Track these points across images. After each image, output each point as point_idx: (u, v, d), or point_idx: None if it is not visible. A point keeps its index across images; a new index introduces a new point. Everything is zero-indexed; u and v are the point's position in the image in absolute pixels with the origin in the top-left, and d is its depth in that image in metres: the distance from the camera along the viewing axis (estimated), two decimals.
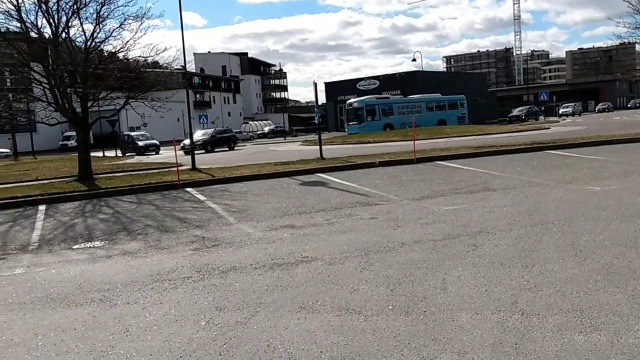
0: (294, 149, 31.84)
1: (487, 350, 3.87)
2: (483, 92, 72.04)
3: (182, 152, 32.05)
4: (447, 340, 4.07)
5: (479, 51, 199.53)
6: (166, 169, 20.68)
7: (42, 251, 8.56)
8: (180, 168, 17.04)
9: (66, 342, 4.56)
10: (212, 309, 5.12)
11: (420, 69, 71.88)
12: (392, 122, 45.97)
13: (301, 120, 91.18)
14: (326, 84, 68.63)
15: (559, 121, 51.14)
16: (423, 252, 6.57)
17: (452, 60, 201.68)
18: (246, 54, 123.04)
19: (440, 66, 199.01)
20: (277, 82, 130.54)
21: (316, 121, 21.15)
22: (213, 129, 39.25)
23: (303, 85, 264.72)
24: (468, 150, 18.06)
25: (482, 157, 16.95)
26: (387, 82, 62.36)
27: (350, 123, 47.71)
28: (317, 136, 21.83)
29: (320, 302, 5.09)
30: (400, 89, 60.15)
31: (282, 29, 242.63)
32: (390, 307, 4.83)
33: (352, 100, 50.87)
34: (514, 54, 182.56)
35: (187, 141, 33.31)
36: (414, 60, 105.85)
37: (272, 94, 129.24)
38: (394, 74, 66.88)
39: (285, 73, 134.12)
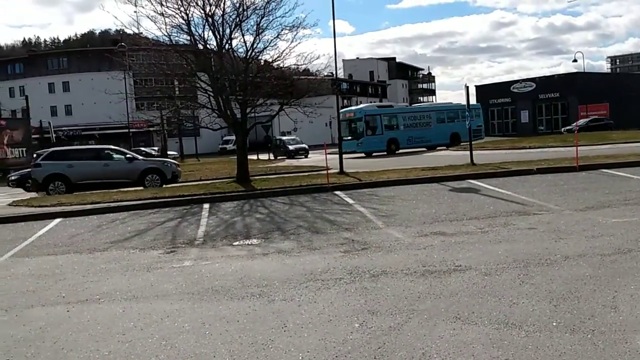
0: (442, 154, 31.20)
1: None
2: None
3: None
4: None
5: None
6: (315, 172, 21.32)
7: (207, 246, 9.23)
8: (328, 171, 17.48)
9: (230, 333, 4.87)
10: (364, 312, 5.16)
11: (582, 70, 66.88)
12: (398, 137, 36.70)
13: None
14: (477, 87, 66.26)
15: None
16: (589, 267, 6.08)
17: (618, 60, 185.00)
18: (394, 58, 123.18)
19: (604, 67, 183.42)
20: (424, 86, 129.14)
21: (467, 125, 20.54)
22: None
23: (451, 89, 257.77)
24: (638, 158, 16.42)
25: None
26: (544, 84, 58.67)
27: (345, 139, 36.56)
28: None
29: (477, 313, 4.91)
30: (558, 92, 56.40)
31: (430, 33, 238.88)
32: (554, 324, 4.52)
33: (348, 108, 40.32)
34: None
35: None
36: (574, 61, 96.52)
37: (419, 98, 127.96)
38: (552, 76, 62.83)
39: (433, 77, 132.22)
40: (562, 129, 48.24)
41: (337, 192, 14.40)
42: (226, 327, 5.03)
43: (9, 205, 16.54)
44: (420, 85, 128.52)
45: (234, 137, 38.68)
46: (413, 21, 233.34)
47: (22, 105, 47.05)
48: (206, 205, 13.61)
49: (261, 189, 15.70)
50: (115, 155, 19.92)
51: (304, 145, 43.50)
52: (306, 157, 41.09)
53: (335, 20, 27.76)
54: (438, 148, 36.62)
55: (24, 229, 12.14)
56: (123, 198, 15.56)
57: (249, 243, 9.21)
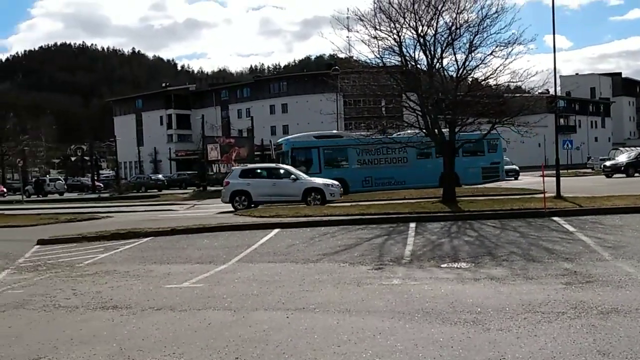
0: None
1: None
2: None
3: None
4: None
5: None
6: (527, 195, 20.10)
7: (414, 266, 9.19)
8: (545, 195, 16.32)
9: (444, 359, 4.72)
10: (593, 352, 4.65)
11: None
12: (346, 177, 25.88)
13: None
14: None
15: None
16: None
17: None
18: (619, 74, 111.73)
19: None
20: None
21: None
22: None
23: None
24: None
25: None
26: None
27: None
28: None
29: None
30: None
31: None
32: None
33: (282, 139, 30.71)
34: None
35: None
36: None
37: None
38: None
39: None
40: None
41: (555, 218, 13.35)
42: (439, 351, 4.91)
43: (234, 214, 18.41)
44: None
45: None
46: None
47: (248, 125, 52.33)
48: (412, 224, 13.60)
49: (469, 211, 15.24)
50: None
51: (514, 167, 41.38)
52: (516, 179, 39.00)
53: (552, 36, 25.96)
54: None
55: (248, 236, 13.36)
56: (332, 212, 16.32)
57: (458, 266, 8.96)
